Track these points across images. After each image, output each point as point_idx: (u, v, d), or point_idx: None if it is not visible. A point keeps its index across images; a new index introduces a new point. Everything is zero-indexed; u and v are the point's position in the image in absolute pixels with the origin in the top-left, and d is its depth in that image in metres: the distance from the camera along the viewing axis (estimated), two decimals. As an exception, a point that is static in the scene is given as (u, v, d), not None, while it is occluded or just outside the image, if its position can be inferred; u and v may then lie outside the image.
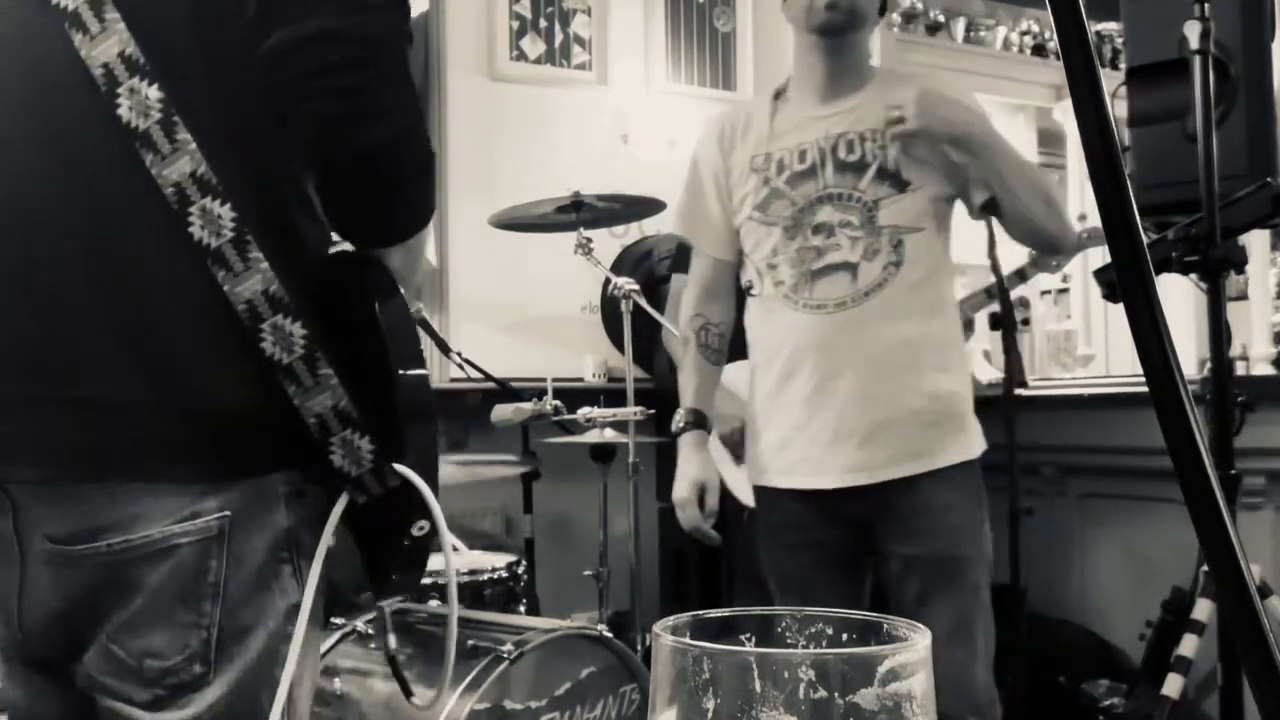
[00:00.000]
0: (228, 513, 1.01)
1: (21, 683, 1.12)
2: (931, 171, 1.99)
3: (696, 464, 2.17)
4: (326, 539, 1.04)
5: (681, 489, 2.17)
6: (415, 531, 1.06)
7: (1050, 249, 2.24)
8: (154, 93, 0.98)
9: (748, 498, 3.03)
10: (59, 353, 1.01)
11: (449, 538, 1.10)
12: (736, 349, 2.88)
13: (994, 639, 2.02)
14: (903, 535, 1.98)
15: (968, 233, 2.26)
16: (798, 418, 2.03)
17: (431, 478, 1.06)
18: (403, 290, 1.12)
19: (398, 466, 1.04)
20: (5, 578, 1.05)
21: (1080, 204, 4.72)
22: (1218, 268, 1.98)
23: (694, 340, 2.24)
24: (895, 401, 1.98)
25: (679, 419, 2.23)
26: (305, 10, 0.99)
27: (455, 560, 2.49)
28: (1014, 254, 3.08)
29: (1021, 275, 3.09)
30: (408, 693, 1.31)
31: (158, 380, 1.00)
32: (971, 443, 2.03)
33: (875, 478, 1.98)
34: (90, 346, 1.00)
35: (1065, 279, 3.86)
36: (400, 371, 1.05)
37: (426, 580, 2.52)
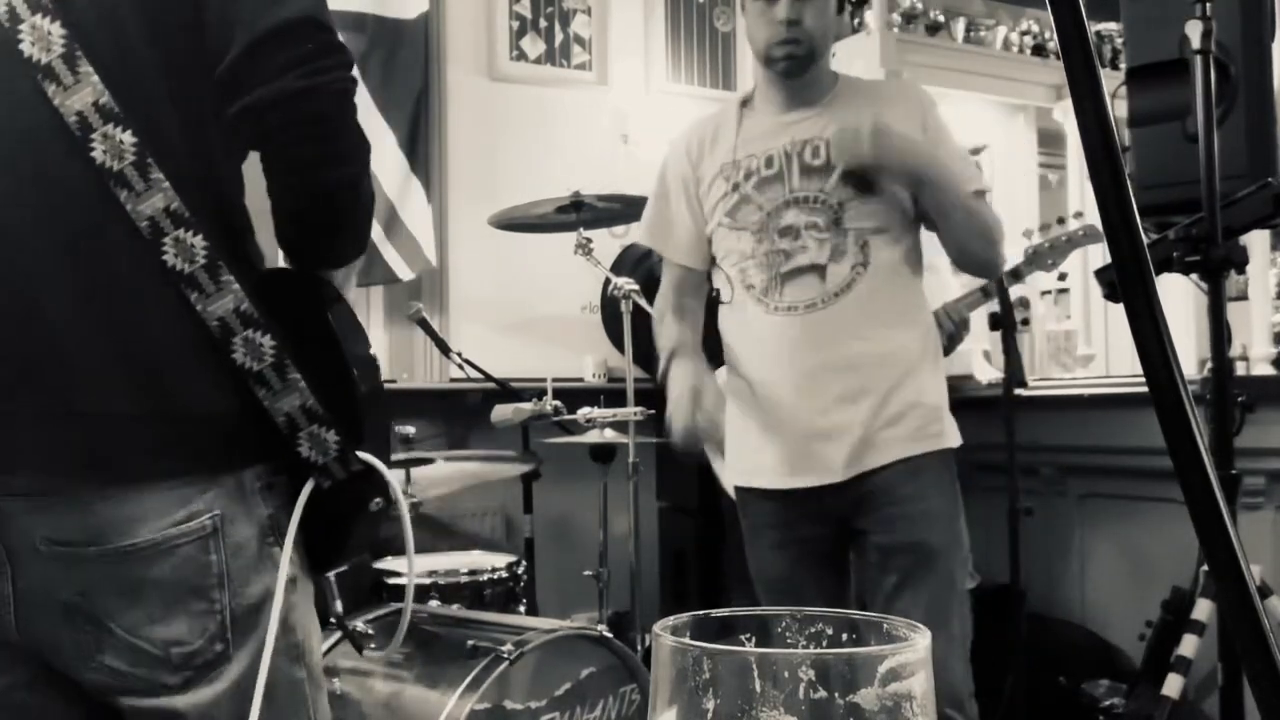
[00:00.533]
0: (217, 511, 1.13)
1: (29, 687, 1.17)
2: (892, 178, 2.06)
3: (687, 372, 2.17)
4: (296, 517, 1.17)
5: (673, 397, 2.16)
6: (372, 507, 1.21)
7: (977, 273, 2.29)
8: (128, 137, 1.10)
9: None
10: (53, 371, 1.10)
11: (404, 505, 1.23)
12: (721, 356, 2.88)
13: (971, 632, 2.05)
14: (877, 524, 2.04)
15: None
16: (772, 418, 2.08)
17: (385, 461, 1.21)
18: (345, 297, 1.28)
19: (360, 453, 1.17)
20: None
21: (1080, 203, 4.72)
22: (1218, 268, 1.98)
23: (669, 315, 2.29)
24: (868, 399, 2.02)
25: (661, 362, 2.24)
26: (281, 70, 1.12)
27: (420, 561, 2.51)
28: (1011, 253, 3.08)
29: (1016, 274, 3.08)
30: (359, 647, 1.56)
31: (143, 392, 1.11)
32: (945, 434, 2.08)
33: (850, 473, 2.03)
34: (80, 364, 1.10)
35: (1063, 276, 3.85)
36: (357, 370, 1.20)
37: (424, 581, 2.52)
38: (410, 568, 1.29)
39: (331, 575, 1.29)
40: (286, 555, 1.16)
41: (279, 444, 1.16)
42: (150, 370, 1.12)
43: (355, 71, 1.20)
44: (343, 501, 1.19)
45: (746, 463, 2.15)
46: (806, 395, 2.04)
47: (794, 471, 2.07)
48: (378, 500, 1.21)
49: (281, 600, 1.15)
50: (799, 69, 2.09)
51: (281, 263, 1.29)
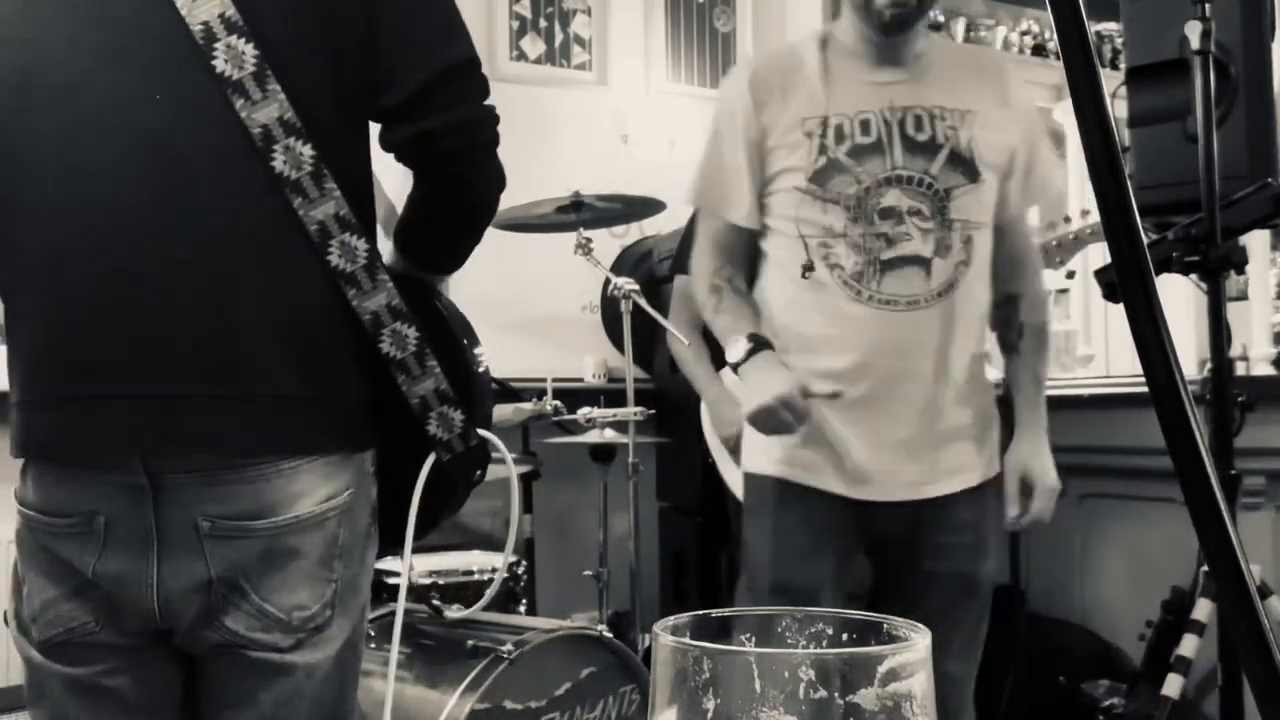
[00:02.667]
0: (351, 489, 1.28)
1: (127, 665, 1.27)
2: (997, 164, 1.86)
3: (780, 379, 1.79)
4: (419, 491, 1.31)
5: (765, 396, 1.79)
6: (473, 479, 1.36)
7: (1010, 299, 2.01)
8: (307, 150, 1.23)
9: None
10: (237, 360, 1.22)
11: (509, 458, 1.38)
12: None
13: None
14: (933, 551, 1.86)
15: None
16: (843, 416, 1.84)
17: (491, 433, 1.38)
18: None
19: (480, 431, 1.33)
20: (135, 565, 1.21)
21: (1083, 202, 4.72)
22: (1218, 268, 1.98)
23: (726, 288, 1.96)
24: (953, 414, 1.85)
25: (741, 347, 1.85)
26: (455, 101, 1.30)
27: (420, 562, 2.55)
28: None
29: None
30: (439, 612, 1.82)
31: (311, 376, 1.25)
32: (996, 457, 1.94)
33: (919, 494, 1.84)
34: (260, 352, 1.23)
35: (1071, 275, 3.85)
36: (471, 355, 1.36)
37: (425, 581, 2.52)
38: (514, 515, 1.34)
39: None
40: (411, 525, 1.32)
41: (390, 430, 1.31)
42: (315, 356, 1.25)
43: None
44: (456, 473, 1.33)
45: (801, 458, 1.86)
46: (887, 401, 1.82)
47: (858, 480, 1.84)
48: (479, 473, 1.36)
49: (408, 569, 1.37)
50: (905, 24, 1.81)
51: None
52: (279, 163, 1.22)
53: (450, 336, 1.36)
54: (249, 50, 1.21)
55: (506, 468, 1.37)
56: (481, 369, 1.38)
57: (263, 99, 1.21)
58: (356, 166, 1.30)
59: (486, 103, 1.34)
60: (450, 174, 1.35)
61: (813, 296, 1.84)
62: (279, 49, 1.23)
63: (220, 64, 1.20)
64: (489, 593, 1.57)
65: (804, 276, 1.84)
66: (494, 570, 2.65)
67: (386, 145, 1.33)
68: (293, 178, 1.22)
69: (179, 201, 1.22)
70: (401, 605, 1.38)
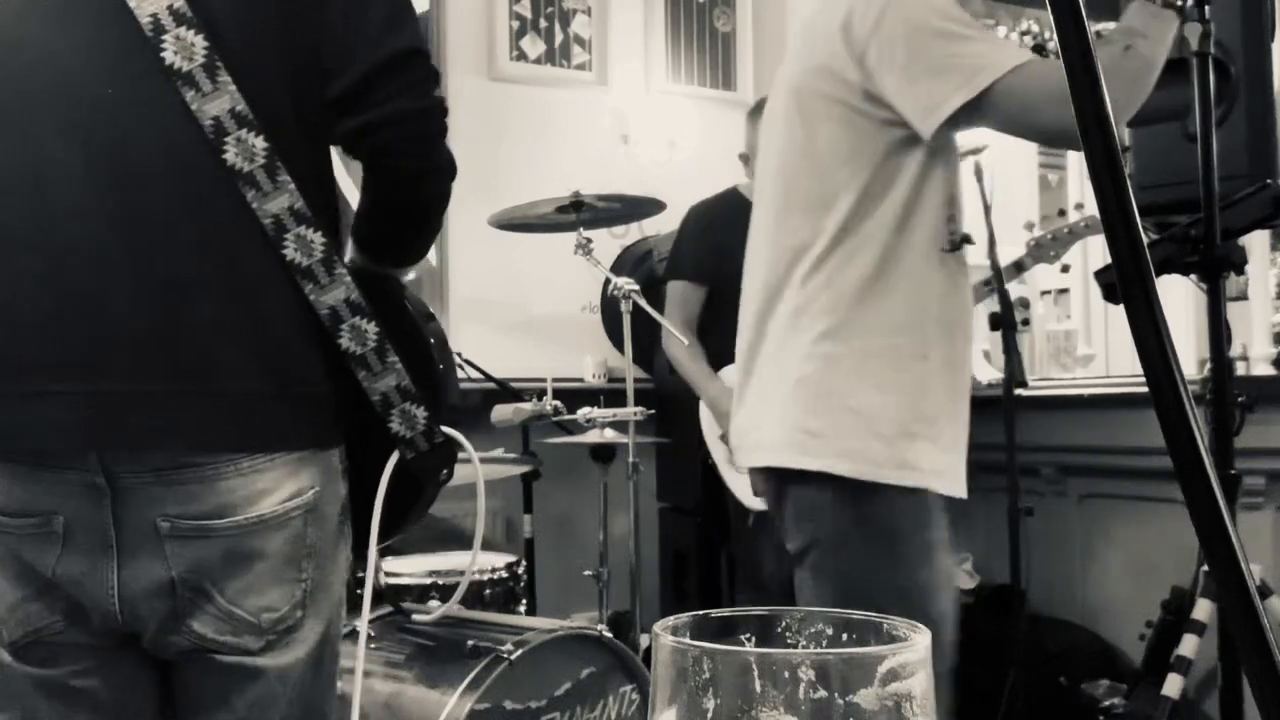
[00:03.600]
0: (318, 487, 1.25)
1: (95, 668, 1.25)
2: None
3: None
4: (383, 488, 1.30)
5: None
6: (442, 477, 1.34)
7: None
8: (259, 142, 1.20)
9: (751, 500, 3.03)
10: (194, 356, 1.21)
11: (475, 457, 1.35)
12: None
13: None
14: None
15: (968, 229, 2.24)
16: (962, 413, 1.70)
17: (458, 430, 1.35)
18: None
19: (444, 428, 1.30)
20: (95, 567, 1.20)
21: (1081, 199, 4.72)
22: (1217, 268, 1.98)
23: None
24: None
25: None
26: (398, 92, 1.26)
27: (420, 562, 2.55)
28: (1012, 249, 3.08)
29: (1020, 267, 3.08)
30: (399, 609, 1.71)
31: (267, 371, 1.22)
32: None
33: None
34: (217, 350, 1.21)
35: (1066, 269, 3.85)
36: (435, 351, 1.34)
37: (425, 581, 2.52)
38: (479, 515, 1.37)
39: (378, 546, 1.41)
40: (376, 521, 1.30)
41: (355, 427, 1.29)
42: (271, 352, 1.23)
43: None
44: (418, 473, 1.31)
45: (945, 460, 1.65)
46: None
47: (961, 479, 1.69)
48: (446, 471, 1.33)
49: (372, 569, 1.33)
50: None
51: None
52: (231, 155, 1.20)
53: (413, 332, 1.34)
54: (199, 41, 1.19)
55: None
56: (445, 365, 1.36)
57: (213, 91, 1.19)
58: (313, 159, 1.28)
59: (431, 94, 1.31)
60: (391, 168, 1.32)
61: (947, 270, 1.68)
62: (229, 40, 1.21)
63: (169, 56, 1.19)
64: (458, 591, 1.55)
65: (947, 249, 1.69)
66: (494, 570, 2.65)
67: (333, 139, 1.31)
68: (245, 170, 1.20)
69: (130, 195, 1.20)
70: (367, 606, 1.35)
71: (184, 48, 1.19)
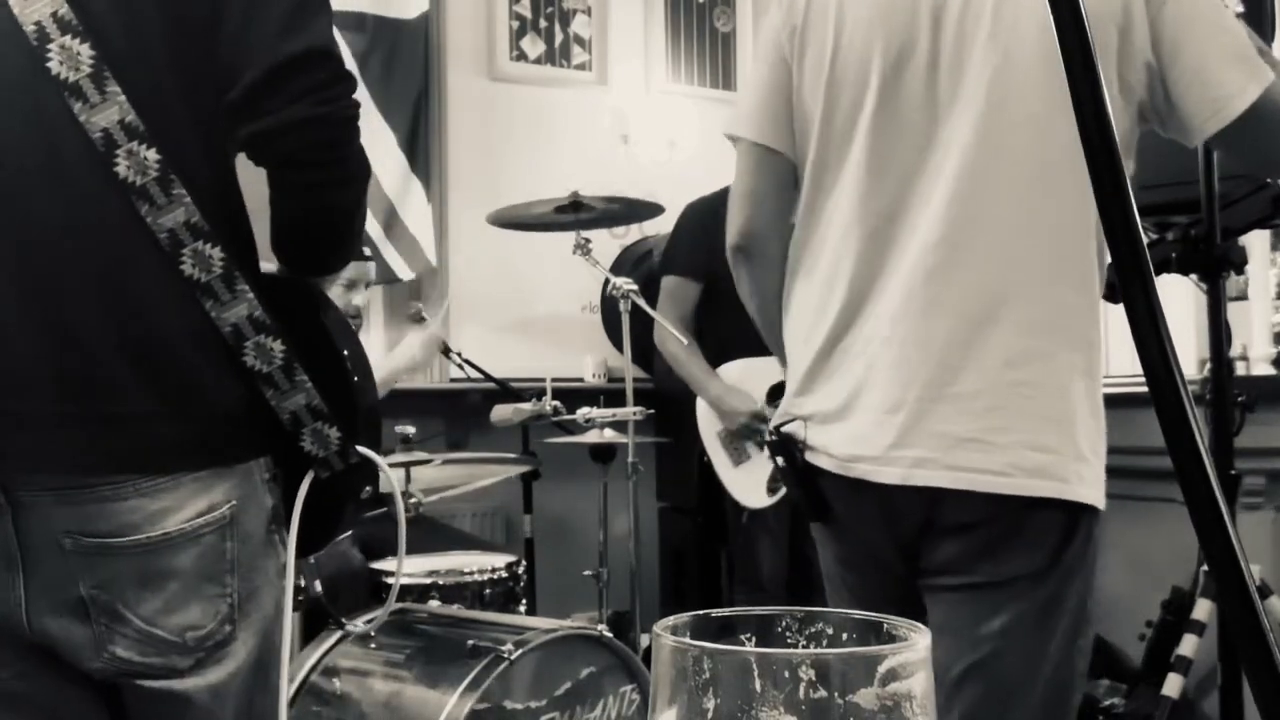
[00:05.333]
0: (234, 501, 1.21)
1: (33, 677, 1.22)
2: None
3: None
4: (298, 509, 1.27)
5: None
6: (363, 495, 1.34)
7: None
8: (152, 154, 1.15)
9: (748, 499, 3.03)
10: (82, 373, 1.16)
11: (396, 485, 1.36)
12: (744, 346, 2.85)
13: None
14: None
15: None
16: None
17: (378, 450, 1.32)
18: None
19: (359, 448, 1.27)
20: (3, 580, 1.17)
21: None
22: (1216, 268, 1.98)
23: None
24: None
25: None
26: (295, 97, 1.19)
27: (420, 562, 2.53)
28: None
29: None
30: (339, 624, 1.68)
31: (165, 392, 1.18)
32: None
33: None
34: (109, 369, 1.16)
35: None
36: (351, 368, 1.29)
37: (425, 581, 2.52)
38: (401, 538, 1.40)
39: (311, 559, 1.41)
40: (293, 540, 1.27)
41: (282, 437, 1.24)
42: (170, 372, 1.18)
43: (359, 94, 1.27)
44: (338, 490, 1.29)
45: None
46: None
47: None
48: (368, 489, 1.33)
49: (291, 581, 1.28)
50: None
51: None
52: (122, 168, 1.15)
53: (327, 350, 1.28)
54: (85, 50, 1.14)
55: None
56: (363, 382, 1.30)
57: (102, 102, 1.14)
58: (212, 170, 1.22)
59: (336, 99, 1.22)
60: (290, 178, 1.25)
61: None
62: (118, 48, 1.16)
63: (55, 66, 1.14)
64: (388, 603, 1.54)
65: None
66: (494, 570, 2.65)
67: (234, 147, 1.25)
68: (138, 184, 1.15)
69: (16, 210, 1.16)
70: (288, 616, 1.30)
71: (70, 57, 1.14)
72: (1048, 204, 1.35)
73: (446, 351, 3.24)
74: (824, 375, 1.46)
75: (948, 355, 1.36)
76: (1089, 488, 1.38)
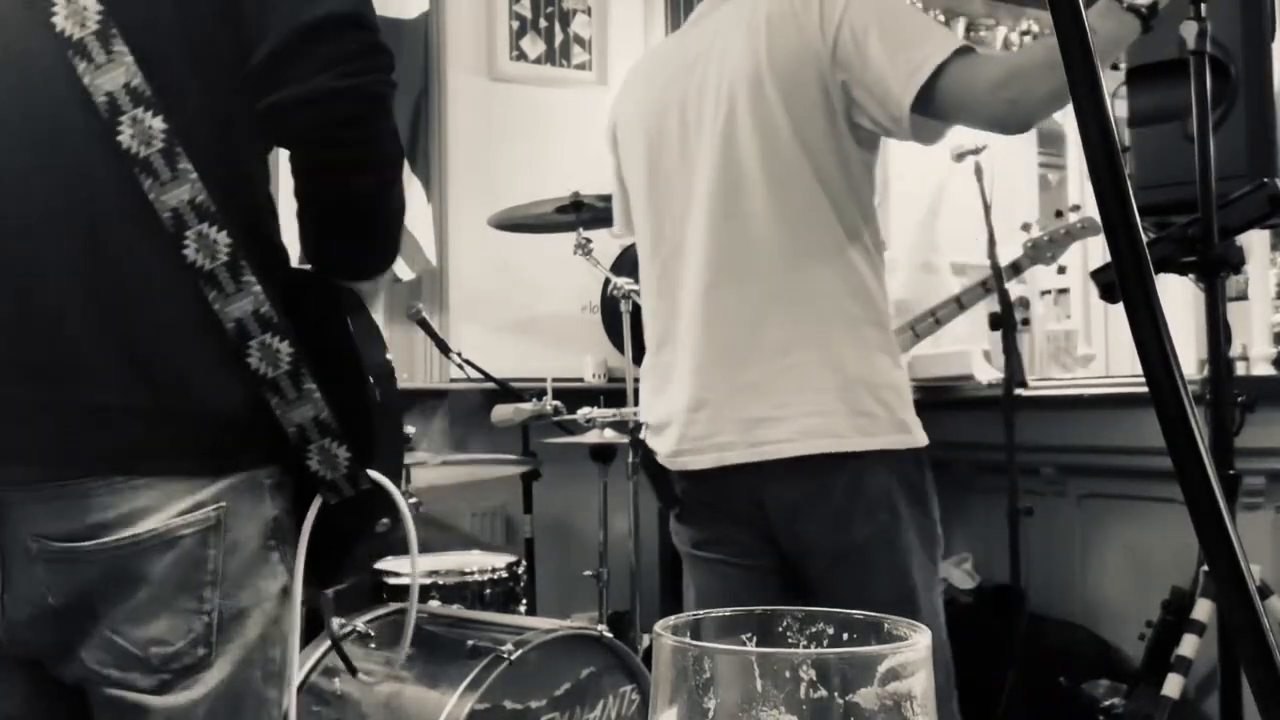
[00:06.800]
0: (224, 504, 1.08)
1: (5, 682, 1.14)
2: None
3: None
4: (305, 535, 1.13)
5: None
6: (378, 528, 1.18)
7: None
8: (158, 123, 1.04)
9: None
10: (60, 360, 1.05)
11: (413, 534, 1.19)
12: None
13: None
14: None
15: (968, 229, 2.25)
16: None
17: (396, 479, 1.16)
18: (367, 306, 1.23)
19: (370, 472, 1.13)
20: None
21: (1081, 200, 4.72)
22: (1214, 268, 1.98)
23: None
24: None
25: None
26: (316, 69, 1.06)
27: (420, 562, 2.57)
28: (1010, 249, 3.08)
29: (1017, 268, 3.08)
30: (352, 670, 1.45)
31: (153, 386, 1.06)
32: None
33: None
34: (90, 355, 1.05)
35: (1063, 270, 3.86)
36: (373, 382, 1.14)
37: (425, 581, 2.52)
38: (414, 579, 1.29)
39: (329, 591, 1.25)
40: (299, 568, 1.13)
41: (290, 448, 1.12)
42: (161, 366, 1.07)
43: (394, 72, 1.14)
44: (348, 519, 1.15)
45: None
46: None
47: None
48: (384, 521, 1.17)
49: (298, 613, 1.14)
50: None
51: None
52: (126, 137, 1.03)
53: (346, 359, 1.14)
54: (91, 5, 1.03)
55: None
56: (382, 397, 1.15)
57: (107, 62, 1.03)
58: (223, 147, 1.10)
59: (365, 70, 1.09)
60: (311, 159, 1.13)
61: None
62: (126, 4, 1.05)
63: (60, 20, 1.03)
64: (403, 640, 1.40)
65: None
66: (494, 570, 2.65)
67: (256, 127, 1.12)
68: (141, 155, 1.03)
69: (2, 175, 1.06)
70: (293, 651, 1.16)
71: (75, 11, 1.03)
72: (781, 204, 1.64)
73: (446, 351, 3.24)
74: (650, 390, 1.82)
75: (732, 355, 1.66)
76: (878, 436, 1.62)
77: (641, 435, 1.81)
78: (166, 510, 1.05)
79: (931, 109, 1.56)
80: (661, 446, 1.76)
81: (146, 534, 1.05)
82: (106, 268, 1.06)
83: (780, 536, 1.68)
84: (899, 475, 1.62)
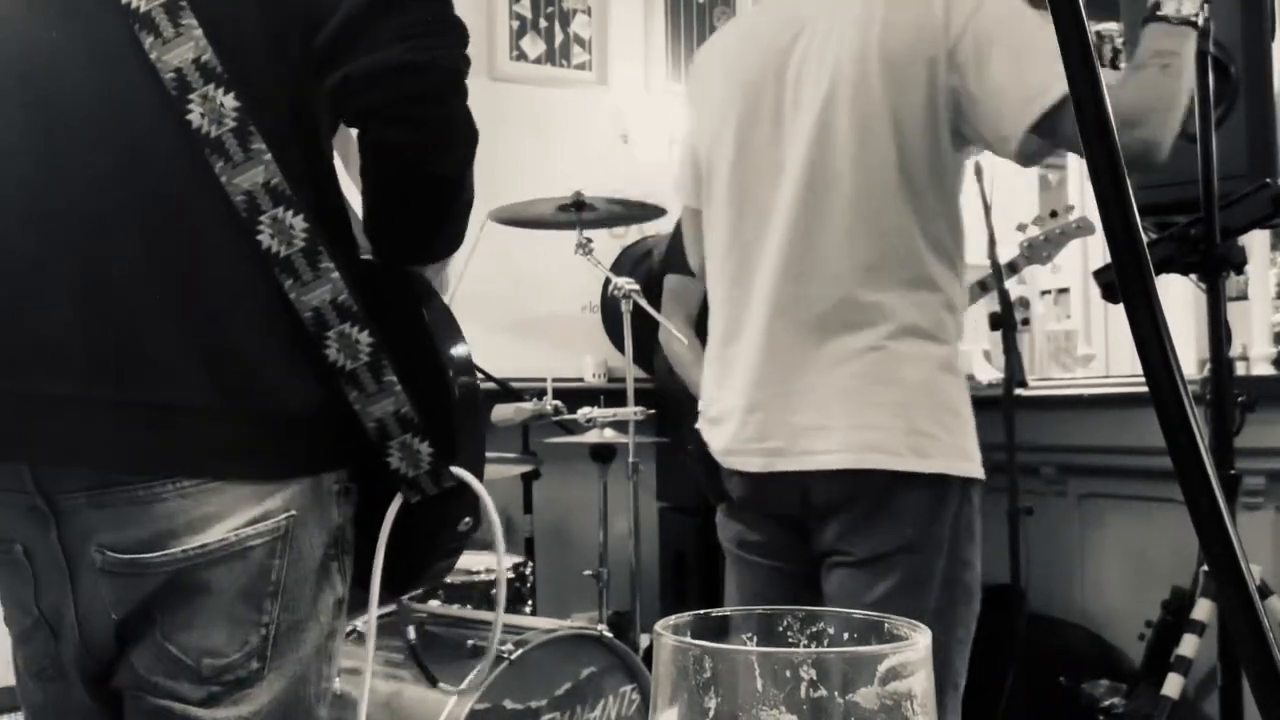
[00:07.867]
0: (293, 511, 1.02)
1: (61, 696, 1.09)
2: None
3: None
4: (384, 538, 1.06)
5: None
6: (461, 528, 1.11)
7: None
8: (229, 100, 0.98)
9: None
10: (127, 356, 0.99)
11: (500, 534, 1.13)
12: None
13: None
14: None
15: (968, 229, 2.24)
16: None
17: (479, 477, 1.10)
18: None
19: (454, 469, 1.07)
20: (55, 592, 1.04)
21: (1080, 200, 4.72)
22: (1215, 268, 1.98)
23: None
24: None
25: None
26: (387, 41, 1.01)
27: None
28: (1006, 249, 3.08)
29: (1013, 268, 3.08)
30: (433, 680, 1.44)
31: (225, 384, 1.00)
32: None
33: None
34: (157, 350, 0.99)
35: (1056, 268, 3.87)
36: (453, 374, 1.09)
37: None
38: (500, 579, 1.24)
39: (404, 598, 1.18)
40: (377, 574, 1.07)
41: (362, 448, 1.06)
42: (234, 361, 1.01)
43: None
44: (430, 520, 1.09)
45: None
46: None
47: None
48: (467, 520, 1.11)
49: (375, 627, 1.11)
50: None
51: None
52: (195, 116, 0.97)
53: (426, 349, 1.09)
54: None
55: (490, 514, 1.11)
56: (462, 391, 1.09)
57: (176, 37, 0.97)
58: (297, 128, 1.04)
59: (439, 46, 1.04)
60: (379, 138, 1.06)
61: None
62: None
63: None
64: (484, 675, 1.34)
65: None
66: (494, 570, 2.65)
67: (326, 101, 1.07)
68: (212, 135, 0.97)
69: (69, 159, 1.00)
70: (370, 670, 1.17)
71: None
72: (866, 208, 1.58)
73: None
74: (714, 383, 1.76)
75: (791, 360, 1.61)
76: (933, 460, 1.56)
77: (697, 425, 1.78)
78: (235, 517, 1.00)
79: (1049, 135, 1.49)
80: (715, 441, 1.73)
81: (216, 544, 0.99)
82: (175, 255, 1.00)
83: (815, 545, 1.65)
84: (945, 505, 1.56)
